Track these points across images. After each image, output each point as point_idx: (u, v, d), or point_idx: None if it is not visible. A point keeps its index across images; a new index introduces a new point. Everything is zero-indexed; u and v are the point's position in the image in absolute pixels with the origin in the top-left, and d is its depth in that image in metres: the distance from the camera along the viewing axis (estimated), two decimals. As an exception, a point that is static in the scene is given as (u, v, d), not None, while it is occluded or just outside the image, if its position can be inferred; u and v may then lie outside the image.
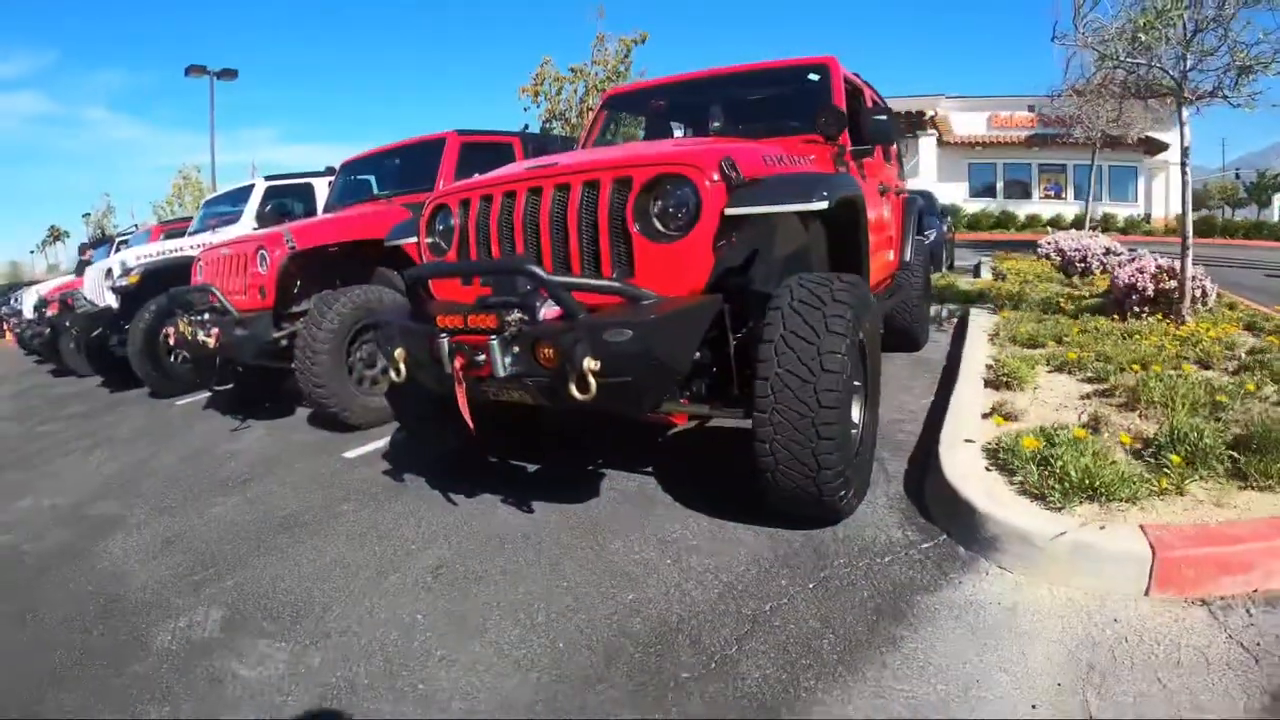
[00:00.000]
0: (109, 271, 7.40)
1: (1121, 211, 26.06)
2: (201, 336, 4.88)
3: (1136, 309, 5.69)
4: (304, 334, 4.36)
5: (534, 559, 2.52)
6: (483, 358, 2.25)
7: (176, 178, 27.04)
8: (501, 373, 2.22)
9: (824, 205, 2.34)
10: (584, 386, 2.04)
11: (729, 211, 2.28)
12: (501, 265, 2.53)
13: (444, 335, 2.37)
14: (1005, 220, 26.38)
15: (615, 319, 2.10)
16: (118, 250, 9.75)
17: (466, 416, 2.43)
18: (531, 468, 3.48)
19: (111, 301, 7.29)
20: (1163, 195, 26.52)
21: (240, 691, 1.95)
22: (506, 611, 2.21)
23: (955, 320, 6.79)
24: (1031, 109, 26.20)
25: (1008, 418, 3.24)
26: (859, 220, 2.86)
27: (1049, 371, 4.24)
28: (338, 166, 6.62)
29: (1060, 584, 2.12)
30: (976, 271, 11.25)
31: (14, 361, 12.56)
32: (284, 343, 4.71)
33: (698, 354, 2.52)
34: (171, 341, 5.56)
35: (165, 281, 6.11)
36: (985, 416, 3.30)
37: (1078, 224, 17.52)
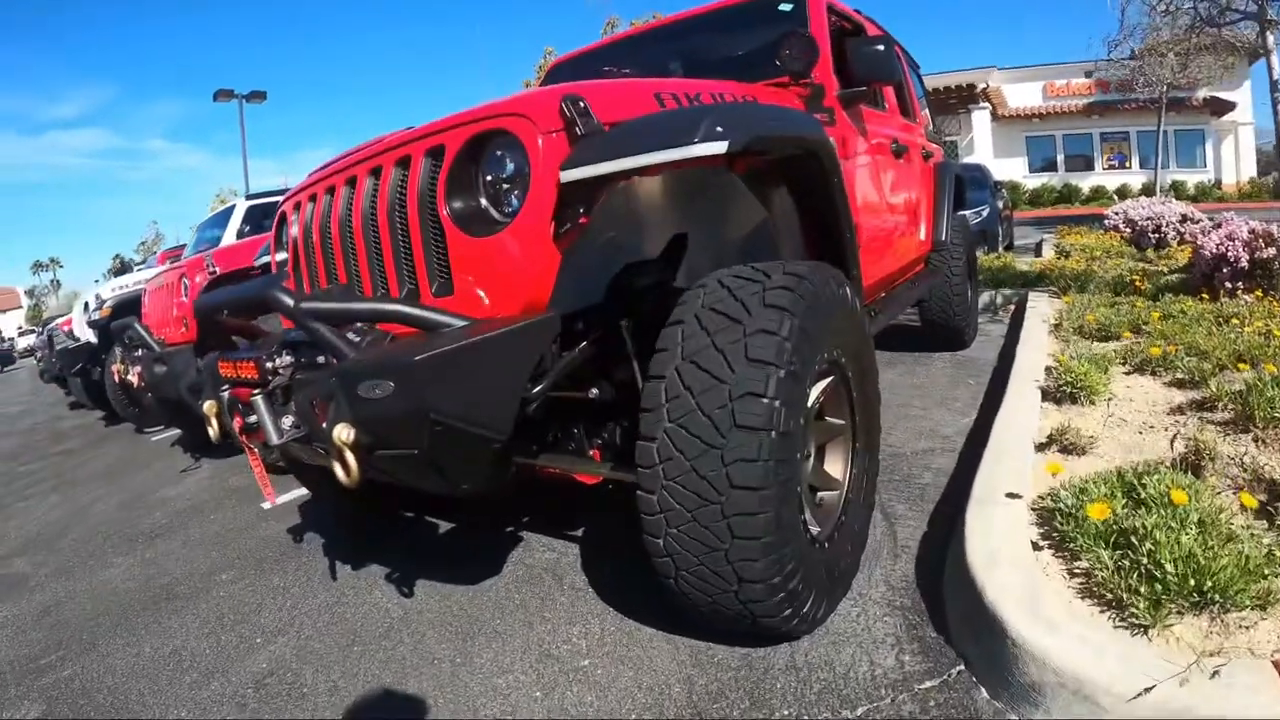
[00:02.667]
0: (86, 305, 7.15)
1: (1191, 178, 24.00)
2: (130, 375, 4.50)
3: (1229, 285, 4.62)
4: (225, 367, 3.83)
5: (376, 673, 1.85)
6: (254, 418, 1.54)
7: (214, 201, 27.53)
8: (275, 438, 1.51)
9: (709, 149, 1.38)
10: (346, 466, 1.30)
11: (565, 176, 1.45)
12: (242, 292, 1.85)
13: (225, 387, 1.69)
14: (1069, 194, 24.78)
15: (376, 362, 1.33)
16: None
17: (264, 487, 1.77)
18: (444, 527, 2.78)
19: (90, 336, 7.04)
20: (1232, 159, 24.33)
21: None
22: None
23: (1013, 307, 5.79)
24: (1089, 75, 24.40)
25: (1070, 450, 2.34)
26: (829, 179, 1.97)
27: (1126, 373, 3.29)
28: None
29: (1155, 768, 1.25)
30: (1038, 250, 10.11)
31: (48, 393, 12.72)
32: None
33: (594, 391, 1.77)
34: (117, 380, 5.15)
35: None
36: (1040, 449, 2.41)
37: (1146, 193, 15.86)
